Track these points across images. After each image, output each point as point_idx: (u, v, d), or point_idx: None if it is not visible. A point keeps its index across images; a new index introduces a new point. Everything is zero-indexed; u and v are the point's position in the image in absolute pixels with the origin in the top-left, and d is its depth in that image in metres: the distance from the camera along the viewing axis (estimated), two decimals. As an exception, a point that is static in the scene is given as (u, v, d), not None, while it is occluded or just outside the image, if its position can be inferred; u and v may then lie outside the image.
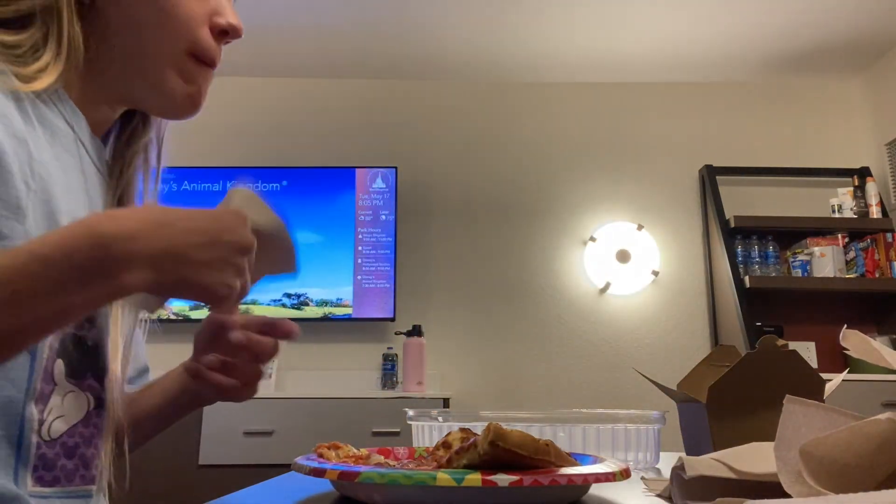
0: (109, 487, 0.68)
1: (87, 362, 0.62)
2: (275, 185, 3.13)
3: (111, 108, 0.69)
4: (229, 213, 0.54)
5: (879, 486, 0.35)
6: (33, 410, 0.56)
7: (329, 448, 0.61)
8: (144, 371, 0.82)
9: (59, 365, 0.58)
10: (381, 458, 0.65)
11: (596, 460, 0.56)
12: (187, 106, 0.68)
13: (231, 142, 3.30)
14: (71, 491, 0.60)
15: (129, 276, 0.47)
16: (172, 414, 0.77)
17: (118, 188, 0.71)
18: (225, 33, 0.68)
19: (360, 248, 3.06)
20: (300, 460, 0.53)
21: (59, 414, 0.58)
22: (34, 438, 0.56)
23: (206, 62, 0.67)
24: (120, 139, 0.74)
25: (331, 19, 2.96)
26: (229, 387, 0.69)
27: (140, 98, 0.68)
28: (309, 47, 3.18)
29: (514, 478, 0.41)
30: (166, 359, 0.94)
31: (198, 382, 0.70)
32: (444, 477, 0.42)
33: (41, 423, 0.56)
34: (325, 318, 3.00)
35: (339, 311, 3.00)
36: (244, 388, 0.70)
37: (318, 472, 0.48)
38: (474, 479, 0.41)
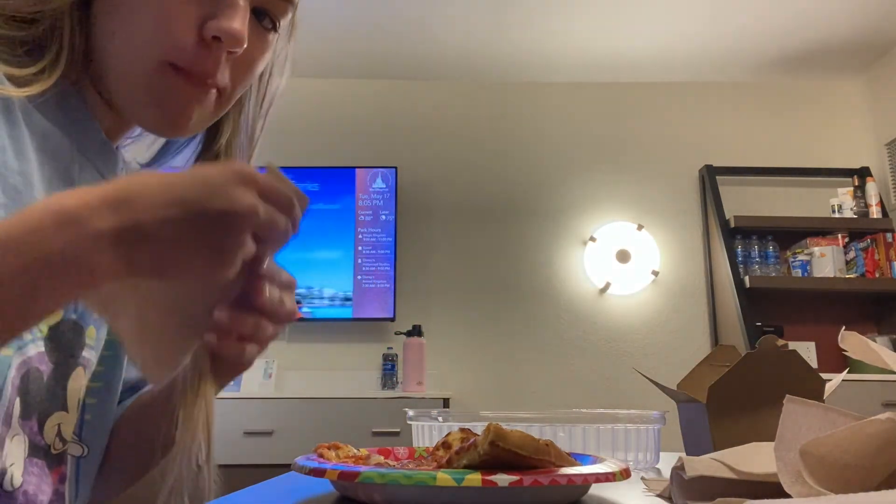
0: None
1: (37, 401, 0.55)
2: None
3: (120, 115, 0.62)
4: (224, 171, 0.44)
5: (879, 486, 0.35)
6: None
7: (329, 448, 0.61)
8: (136, 386, 0.73)
9: (17, 404, 0.52)
10: (381, 459, 0.66)
11: (596, 460, 0.56)
12: (164, 128, 0.59)
13: (231, 142, 3.30)
14: None
15: (98, 257, 0.40)
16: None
17: None
18: (219, 41, 0.55)
19: (360, 248, 3.06)
20: (300, 461, 0.53)
21: (12, 461, 0.52)
22: None
23: (188, 73, 0.56)
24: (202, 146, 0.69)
25: (330, 19, 2.96)
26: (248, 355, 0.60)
27: (124, 110, 0.59)
28: (308, 47, 3.18)
29: (514, 478, 0.41)
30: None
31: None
32: (444, 477, 0.42)
33: (3, 473, 0.51)
34: (325, 318, 3.00)
35: (339, 312, 3.00)
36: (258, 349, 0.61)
37: (318, 473, 0.48)
38: (474, 479, 0.41)
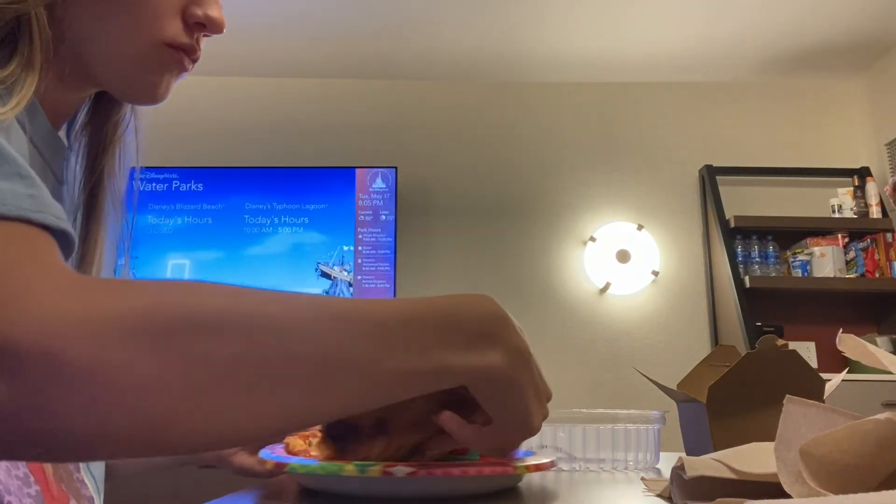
0: None
1: None
2: (275, 185, 3.13)
3: (76, 93, 0.62)
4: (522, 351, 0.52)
5: (879, 487, 0.35)
6: None
7: (299, 437, 0.62)
8: None
9: None
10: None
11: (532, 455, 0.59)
12: (147, 97, 0.62)
13: (231, 142, 3.30)
14: None
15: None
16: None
17: (94, 170, 0.67)
18: (201, 26, 0.60)
19: (360, 248, 3.06)
20: (263, 452, 0.56)
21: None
22: None
23: (181, 50, 0.60)
24: (93, 118, 0.69)
25: (331, 19, 2.96)
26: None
27: (104, 83, 0.62)
28: (309, 47, 3.18)
29: (411, 469, 0.45)
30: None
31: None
32: (350, 468, 0.46)
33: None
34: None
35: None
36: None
37: (269, 464, 0.53)
38: (376, 469, 0.46)
